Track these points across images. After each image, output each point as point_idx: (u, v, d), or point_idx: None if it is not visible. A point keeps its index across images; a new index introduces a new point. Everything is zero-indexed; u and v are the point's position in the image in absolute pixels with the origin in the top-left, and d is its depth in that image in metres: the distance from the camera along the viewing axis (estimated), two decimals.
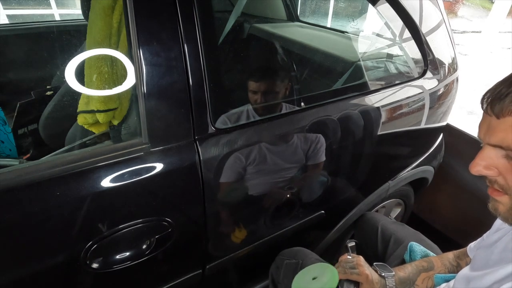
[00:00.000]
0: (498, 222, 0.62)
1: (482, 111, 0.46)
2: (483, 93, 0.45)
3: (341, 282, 0.69)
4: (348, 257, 0.72)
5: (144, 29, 0.58)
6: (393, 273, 0.70)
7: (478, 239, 0.69)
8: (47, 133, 1.07)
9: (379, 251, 0.97)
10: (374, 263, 0.73)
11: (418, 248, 0.85)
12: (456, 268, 0.73)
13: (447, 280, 0.68)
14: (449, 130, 1.48)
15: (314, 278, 0.67)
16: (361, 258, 0.71)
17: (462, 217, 1.52)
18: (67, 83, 0.65)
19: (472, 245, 0.71)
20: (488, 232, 0.65)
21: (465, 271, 0.60)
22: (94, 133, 0.81)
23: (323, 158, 0.89)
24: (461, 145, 1.48)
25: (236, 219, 0.84)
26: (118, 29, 0.74)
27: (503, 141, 0.42)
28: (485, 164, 0.45)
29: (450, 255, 0.76)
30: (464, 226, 1.49)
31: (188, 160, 0.67)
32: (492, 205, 0.48)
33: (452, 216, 1.58)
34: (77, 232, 0.59)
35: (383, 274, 0.69)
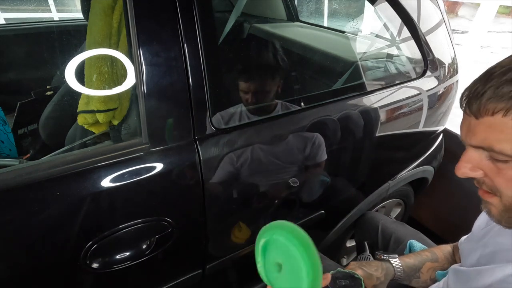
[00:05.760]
0: (484, 217, 0.60)
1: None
2: (462, 91, 0.43)
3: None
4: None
5: (144, 29, 0.58)
6: (396, 255, 0.70)
7: (469, 234, 0.68)
8: (47, 133, 1.07)
9: (380, 250, 0.97)
10: (376, 252, 0.74)
11: (417, 244, 0.85)
12: (454, 263, 0.72)
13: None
14: (446, 134, 1.47)
15: (278, 264, 0.43)
16: (351, 262, 0.72)
17: (458, 222, 1.51)
18: (67, 83, 0.66)
19: (463, 239, 0.70)
20: (475, 226, 0.64)
21: (456, 266, 0.59)
22: (94, 133, 0.81)
23: (324, 158, 0.89)
24: (457, 149, 1.47)
25: (236, 219, 0.84)
26: (118, 29, 0.73)
27: (484, 142, 0.40)
28: (470, 166, 0.43)
29: (449, 247, 0.75)
30: (461, 232, 1.49)
31: (188, 160, 0.67)
32: (485, 207, 0.46)
33: (448, 221, 1.57)
34: (77, 232, 0.59)
35: (385, 257, 0.69)
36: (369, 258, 0.77)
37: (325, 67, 1.21)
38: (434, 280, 0.70)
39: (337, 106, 0.90)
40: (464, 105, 0.42)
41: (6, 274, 0.58)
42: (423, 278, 0.71)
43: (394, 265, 0.69)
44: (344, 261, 1.44)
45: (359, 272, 0.67)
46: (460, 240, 0.71)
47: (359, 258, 0.80)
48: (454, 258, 0.73)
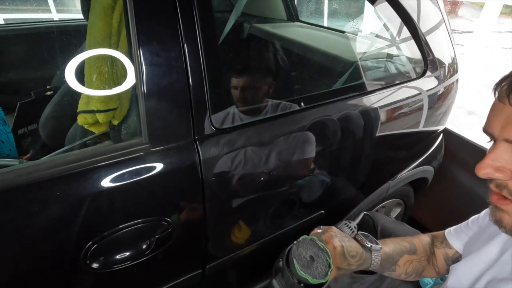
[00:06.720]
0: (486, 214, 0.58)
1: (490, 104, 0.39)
2: (498, 79, 0.38)
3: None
4: (318, 231, 0.60)
5: (144, 29, 0.58)
6: (380, 246, 0.61)
7: (461, 225, 0.64)
8: (47, 133, 1.07)
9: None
10: (359, 232, 0.63)
11: None
12: (432, 256, 0.68)
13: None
14: (446, 133, 1.47)
15: (311, 258, 0.53)
16: (333, 228, 0.60)
17: (458, 222, 1.51)
18: (67, 83, 0.66)
19: (452, 229, 0.66)
20: (478, 219, 0.61)
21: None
22: (94, 133, 0.81)
23: (311, 155, 0.87)
24: (457, 149, 1.47)
25: (236, 219, 0.84)
26: (118, 29, 0.74)
27: None
28: (498, 165, 0.36)
29: (427, 238, 0.70)
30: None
31: (188, 160, 0.67)
32: (495, 215, 0.41)
33: (448, 221, 1.57)
34: (77, 232, 0.59)
35: (370, 246, 0.60)
36: (354, 232, 0.63)
37: (325, 67, 1.21)
38: (410, 274, 0.65)
39: (337, 106, 0.90)
40: (503, 93, 0.36)
41: (6, 274, 0.58)
42: (398, 272, 0.64)
43: (373, 257, 0.60)
44: None
45: (336, 243, 0.56)
46: (448, 230, 0.68)
47: (343, 224, 0.64)
48: (432, 249, 0.69)
